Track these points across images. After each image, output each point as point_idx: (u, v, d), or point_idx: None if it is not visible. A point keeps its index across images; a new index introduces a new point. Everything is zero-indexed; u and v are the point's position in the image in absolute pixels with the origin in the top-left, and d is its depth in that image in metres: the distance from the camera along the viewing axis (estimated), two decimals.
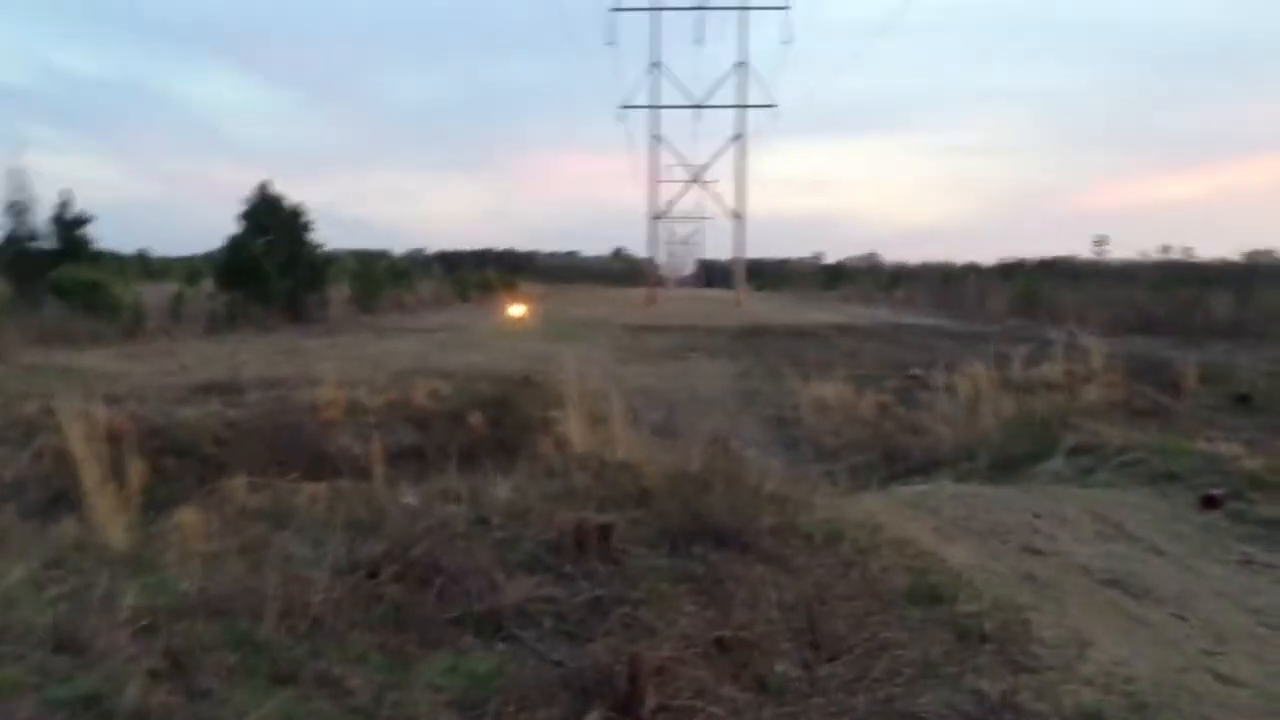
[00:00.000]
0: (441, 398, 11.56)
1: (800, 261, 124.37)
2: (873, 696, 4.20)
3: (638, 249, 78.53)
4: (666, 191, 74.06)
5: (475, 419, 10.60)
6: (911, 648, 4.69)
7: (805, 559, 5.80)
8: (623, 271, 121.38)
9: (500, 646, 4.47)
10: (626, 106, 67.12)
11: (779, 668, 4.46)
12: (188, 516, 5.55)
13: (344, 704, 3.79)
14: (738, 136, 65.96)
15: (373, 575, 4.88)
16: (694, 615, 4.89)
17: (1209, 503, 7.50)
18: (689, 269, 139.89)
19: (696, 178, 72.32)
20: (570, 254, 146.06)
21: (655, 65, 66.13)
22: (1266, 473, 7.91)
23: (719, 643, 4.59)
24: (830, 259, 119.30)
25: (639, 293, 67.54)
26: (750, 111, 65.80)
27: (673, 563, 5.56)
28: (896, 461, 11.37)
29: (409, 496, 6.47)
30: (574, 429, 9.48)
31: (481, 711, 3.82)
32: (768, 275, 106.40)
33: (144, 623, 4.12)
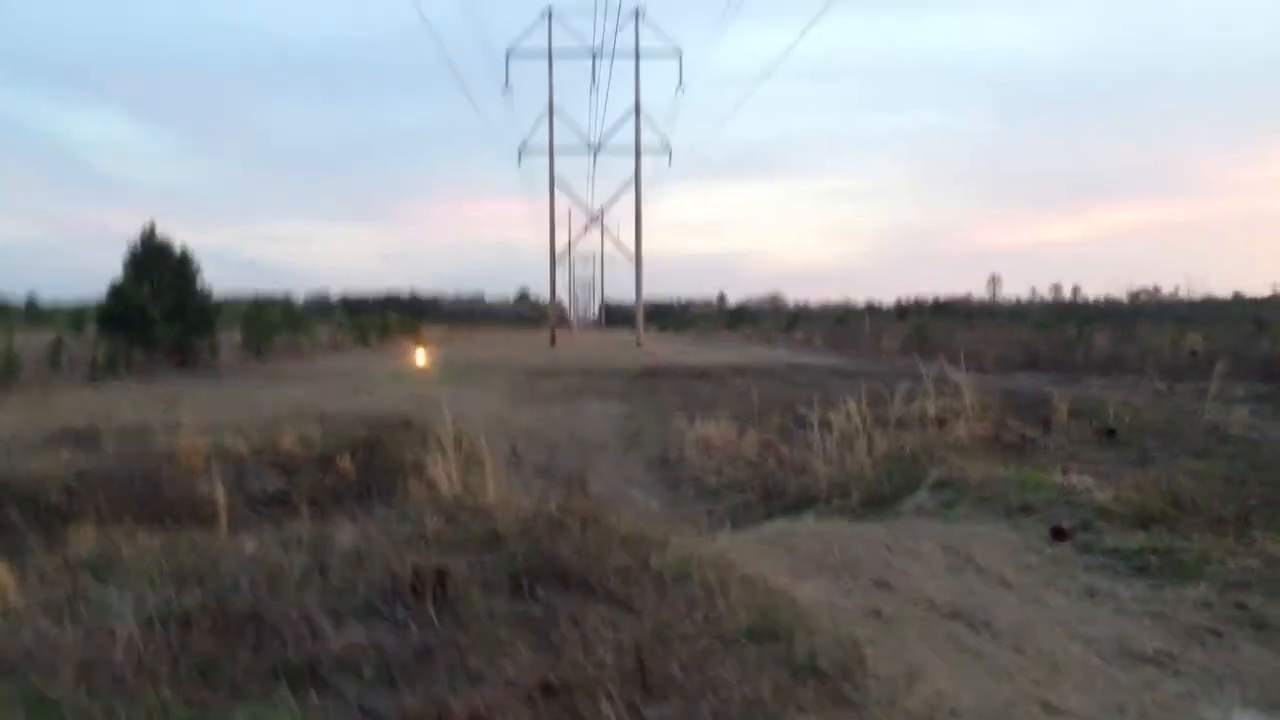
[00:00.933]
0: (310, 443, 11.28)
1: (703, 304, 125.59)
2: None
3: (542, 292, 78.23)
4: (567, 235, 74.37)
5: (344, 463, 10.35)
6: (742, 686, 4.64)
7: (652, 599, 5.73)
8: (529, 314, 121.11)
9: (314, 698, 4.31)
10: (524, 151, 67.30)
11: (605, 711, 4.37)
12: None
13: None
14: (634, 180, 66.51)
15: (186, 626, 4.69)
16: (524, 659, 4.79)
17: (1058, 534, 7.64)
18: (592, 312, 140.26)
19: (594, 220, 72.70)
20: (475, 298, 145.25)
21: (551, 110, 66.47)
22: (1115, 504, 8.09)
23: (545, 687, 4.50)
24: (734, 299, 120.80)
25: (543, 335, 67.36)
26: (646, 156, 66.51)
27: (512, 607, 5.46)
28: (774, 499, 11.42)
29: (249, 544, 6.27)
30: (443, 472, 9.34)
31: None
32: (671, 317, 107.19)
33: None
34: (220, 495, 7.19)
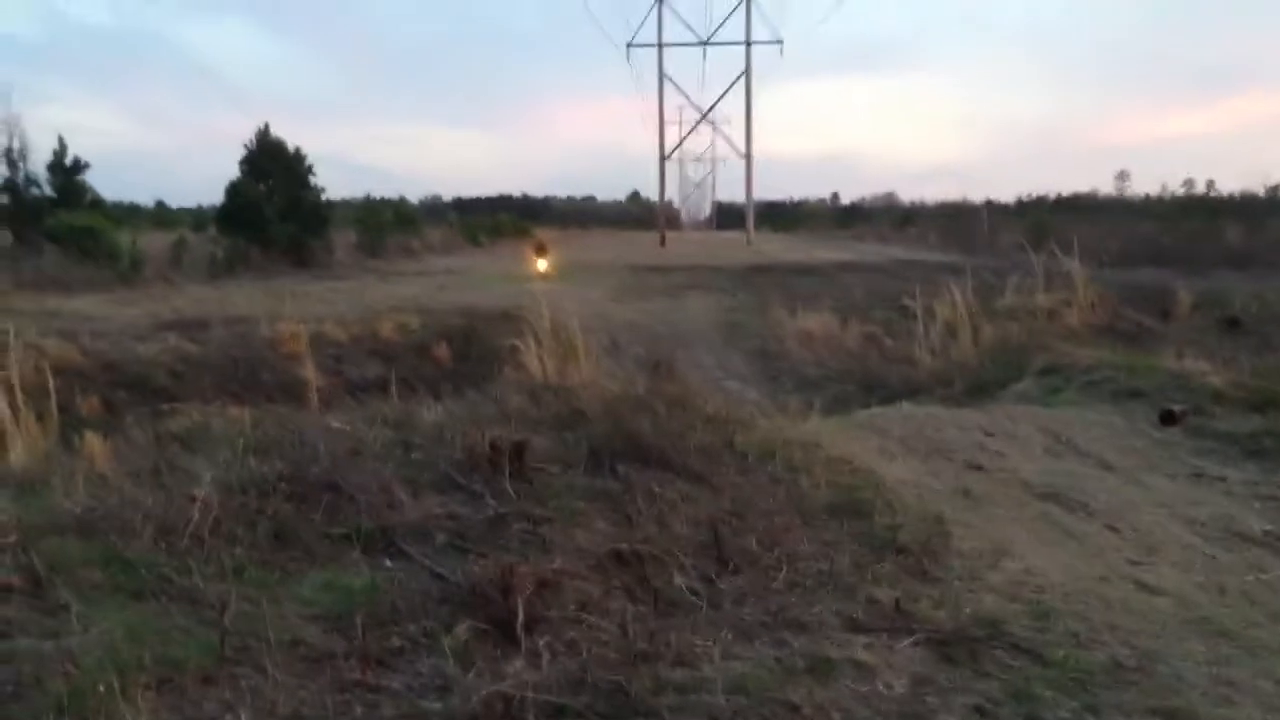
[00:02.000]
0: (408, 331, 11.41)
1: (816, 203, 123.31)
2: (764, 607, 4.05)
3: (654, 193, 77.49)
4: (676, 133, 73.31)
5: (441, 351, 10.46)
6: (819, 560, 4.54)
7: (733, 476, 5.64)
8: (640, 215, 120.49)
9: (387, 563, 4.34)
10: (633, 45, 66.09)
11: (678, 581, 4.31)
12: (93, 441, 5.42)
13: (200, 616, 3.67)
14: (744, 74, 64.99)
15: (265, 493, 4.76)
16: (598, 530, 4.75)
17: (1168, 418, 7.29)
18: (704, 212, 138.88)
19: (705, 117, 71.40)
20: (587, 199, 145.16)
21: (660, 2, 65.06)
22: (1230, 388, 7.68)
23: (617, 556, 4.45)
24: (846, 199, 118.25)
25: (653, 236, 67.00)
26: (757, 49, 64.83)
27: (591, 481, 5.42)
28: (875, 390, 11.19)
29: (335, 420, 6.34)
30: (535, 359, 9.35)
31: (347, 624, 3.70)
32: (784, 217, 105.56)
33: (9, 539, 4.01)
34: (312, 376, 7.28)
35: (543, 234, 66.93)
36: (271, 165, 32.99)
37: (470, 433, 5.70)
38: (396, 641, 3.65)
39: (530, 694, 3.31)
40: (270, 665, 3.36)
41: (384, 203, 49.85)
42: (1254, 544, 5.16)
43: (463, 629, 3.69)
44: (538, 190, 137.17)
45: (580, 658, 3.57)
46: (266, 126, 33.60)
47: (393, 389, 8.17)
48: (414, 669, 3.47)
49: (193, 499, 4.52)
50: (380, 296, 21.30)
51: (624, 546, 4.48)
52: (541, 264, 30.79)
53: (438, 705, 3.22)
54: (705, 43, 66.66)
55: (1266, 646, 3.94)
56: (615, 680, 3.41)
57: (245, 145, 33.23)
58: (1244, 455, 6.63)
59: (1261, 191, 49.57)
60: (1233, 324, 12.41)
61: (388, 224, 42.24)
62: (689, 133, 74.44)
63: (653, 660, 3.53)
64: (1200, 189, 59.69)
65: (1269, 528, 5.36)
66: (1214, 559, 4.91)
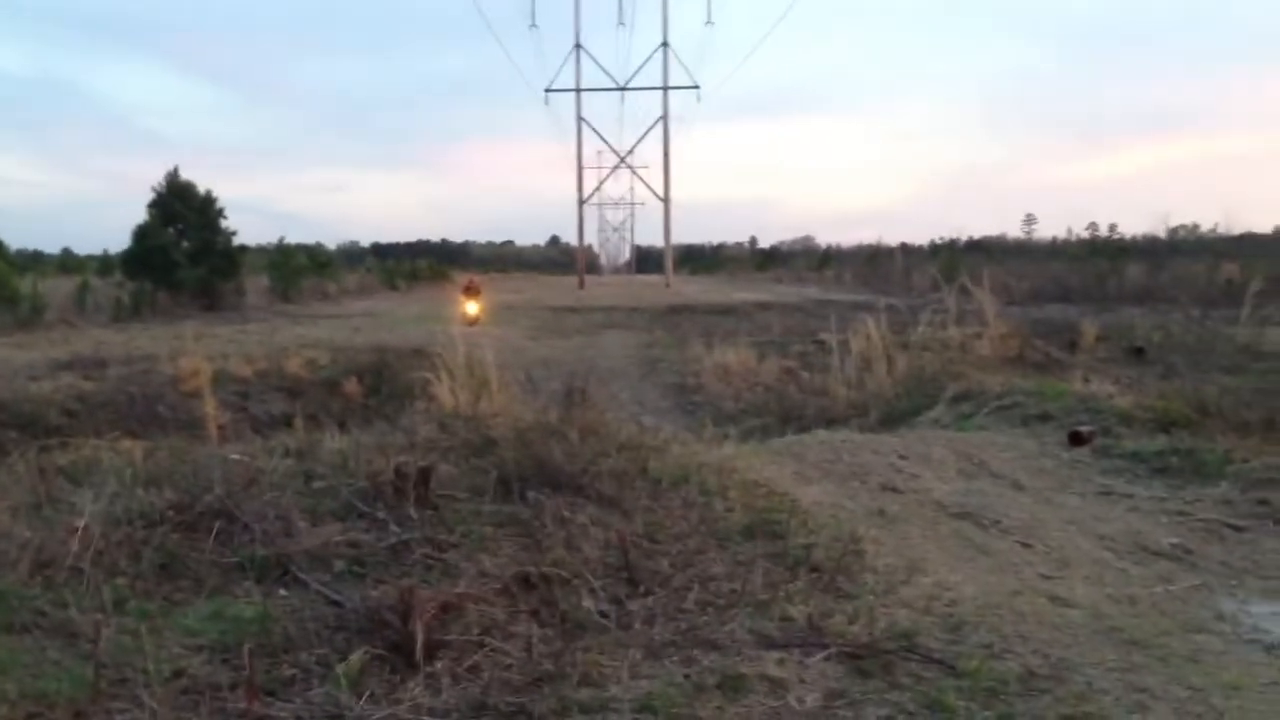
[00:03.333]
0: (317, 367, 11.14)
1: (735, 247, 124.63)
2: (675, 626, 3.94)
3: (572, 237, 77.49)
4: (595, 177, 73.60)
5: (351, 387, 10.21)
6: (732, 580, 4.44)
7: (645, 500, 5.54)
8: (559, 259, 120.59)
9: (281, 591, 4.14)
10: (551, 90, 66.33)
11: (586, 603, 4.18)
12: None
13: (75, 649, 3.45)
14: (662, 118, 65.61)
15: (153, 523, 4.52)
16: (506, 555, 4.61)
17: (1076, 439, 7.37)
18: (624, 256, 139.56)
19: (622, 161, 71.81)
20: (506, 243, 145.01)
21: (578, 47, 65.52)
22: (1136, 410, 7.80)
23: (524, 580, 4.30)
24: (765, 243, 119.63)
25: (572, 280, 66.98)
26: (675, 94, 65.48)
27: (500, 507, 5.27)
28: (792, 422, 11.17)
29: (233, 451, 6.10)
30: (448, 391, 9.17)
31: (234, 654, 3.49)
32: (703, 260, 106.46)
33: None
34: (212, 410, 7.02)
35: (460, 278, 66.44)
36: (181, 209, 32.30)
37: (375, 460, 5.52)
38: (287, 670, 3.46)
39: (427, 718, 3.15)
40: (148, 698, 3.15)
41: (299, 248, 48.95)
42: (1162, 557, 5.19)
43: (358, 656, 3.51)
44: (457, 235, 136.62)
45: (482, 681, 3.41)
46: (176, 169, 32.96)
47: (298, 424, 7.93)
48: (305, 698, 3.29)
49: (73, 530, 4.28)
50: (291, 338, 20.88)
51: (531, 570, 4.34)
52: (472, 307, 25.89)
53: None
54: (623, 88, 67.14)
55: (1177, 654, 3.92)
56: (517, 703, 3.27)
57: (154, 189, 32.53)
58: (1150, 473, 6.71)
59: (1162, 233, 51.29)
60: (1137, 353, 12.70)
61: (302, 268, 41.57)
62: (607, 177, 74.76)
63: (557, 681, 3.39)
64: (1104, 232, 61.54)
65: (1176, 541, 5.40)
66: (1124, 572, 4.92)
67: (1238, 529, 5.56)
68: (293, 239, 58.32)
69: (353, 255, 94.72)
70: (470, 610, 3.92)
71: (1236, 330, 15.13)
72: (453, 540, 4.76)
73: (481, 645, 3.71)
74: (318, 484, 5.44)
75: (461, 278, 42.80)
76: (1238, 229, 52.21)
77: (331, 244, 79.32)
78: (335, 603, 4.00)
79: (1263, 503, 5.94)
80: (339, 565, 4.41)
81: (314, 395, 10.15)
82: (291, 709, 3.22)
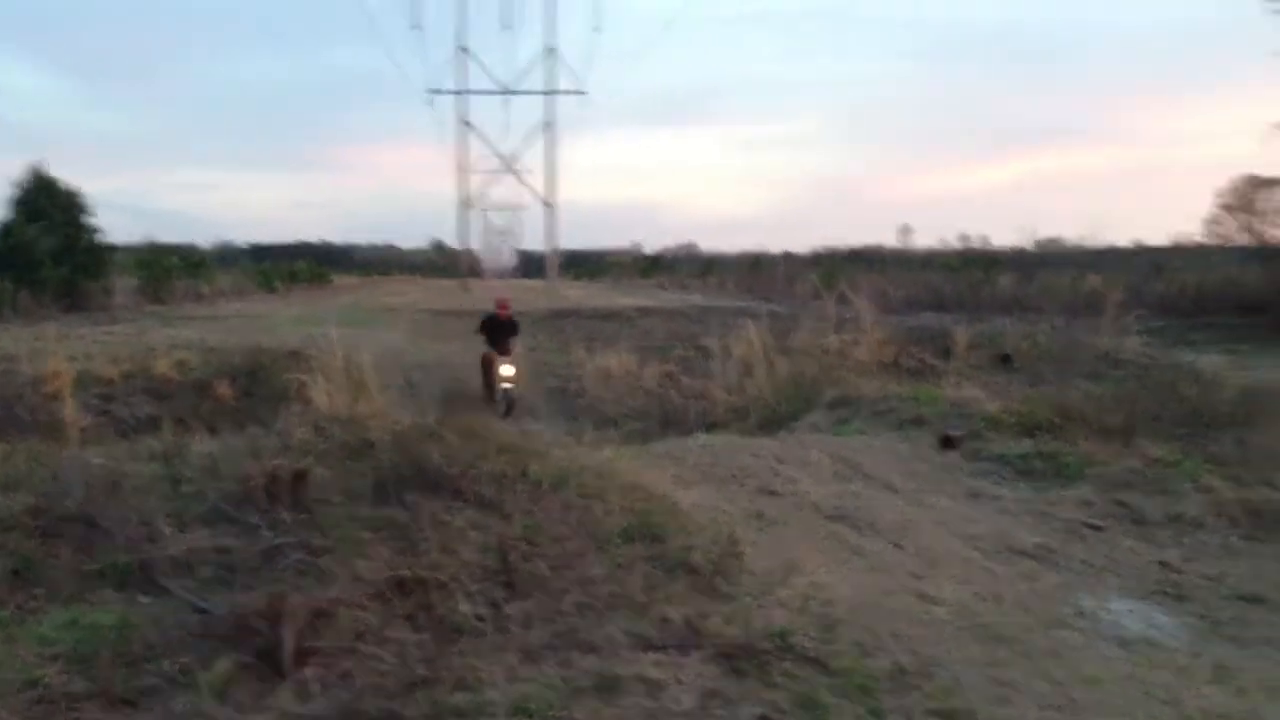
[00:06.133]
0: (187, 369, 10.79)
1: (620, 252, 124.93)
2: (553, 629, 3.92)
3: (456, 241, 76.55)
4: (479, 181, 72.99)
5: (223, 389, 9.91)
6: (611, 583, 4.43)
7: (524, 504, 5.48)
8: (442, 263, 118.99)
9: (142, 599, 3.99)
10: (434, 91, 65.51)
11: (463, 607, 4.13)
12: None
13: None
14: (548, 124, 65.40)
15: (6, 529, 4.32)
16: (381, 560, 4.51)
17: (947, 443, 7.58)
18: (508, 260, 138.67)
19: (507, 165, 71.34)
20: (389, 246, 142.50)
21: (462, 49, 64.90)
22: (1004, 415, 8.06)
23: (399, 584, 4.23)
24: (651, 248, 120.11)
25: (454, 283, 66.26)
26: (560, 99, 65.27)
27: (376, 511, 5.17)
28: (673, 426, 11.25)
29: (96, 455, 5.86)
30: (324, 393, 8.99)
31: (91, 664, 3.35)
32: (587, 265, 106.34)
33: None
34: (71, 411, 6.73)
35: (342, 281, 65.05)
36: (46, 205, 30.95)
37: (246, 464, 5.36)
38: (148, 680, 3.34)
39: None
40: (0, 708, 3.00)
41: (171, 248, 47.33)
42: (1027, 556, 5.37)
43: (225, 664, 3.41)
44: (338, 237, 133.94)
45: (354, 687, 3.34)
46: (39, 164, 31.59)
47: (166, 426, 7.67)
48: (166, 708, 3.18)
49: None
50: (161, 339, 20.18)
51: (407, 574, 4.27)
52: (507, 369, 13.28)
53: None
54: (507, 91, 66.76)
55: (1041, 649, 4.06)
56: (389, 708, 3.21)
57: (17, 184, 31.10)
58: (1017, 475, 6.95)
59: (1030, 245, 53.16)
60: (1006, 360, 13.11)
61: (174, 268, 40.21)
62: (491, 181, 74.19)
63: (431, 686, 3.35)
64: (976, 243, 63.52)
65: (1039, 541, 5.59)
66: (991, 571, 5.07)
67: (1097, 529, 5.79)
68: (165, 239, 56.57)
69: (228, 256, 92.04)
70: (343, 616, 3.84)
71: (1098, 339, 15.74)
72: (327, 545, 4.64)
73: (354, 651, 3.64)
74: (185, 489, 5.26)
75: (482, 293, 29.03)
76: (1100, 243, 54.54)
77: (206, 244, 77.07)
78: (201, 610, 3.88)
79: (1120, 504, 6.20)
80: (206, 572, 4.27)
81: (183, 398, 9.82)
82: (150, 719, 3.10)
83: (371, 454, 6.05)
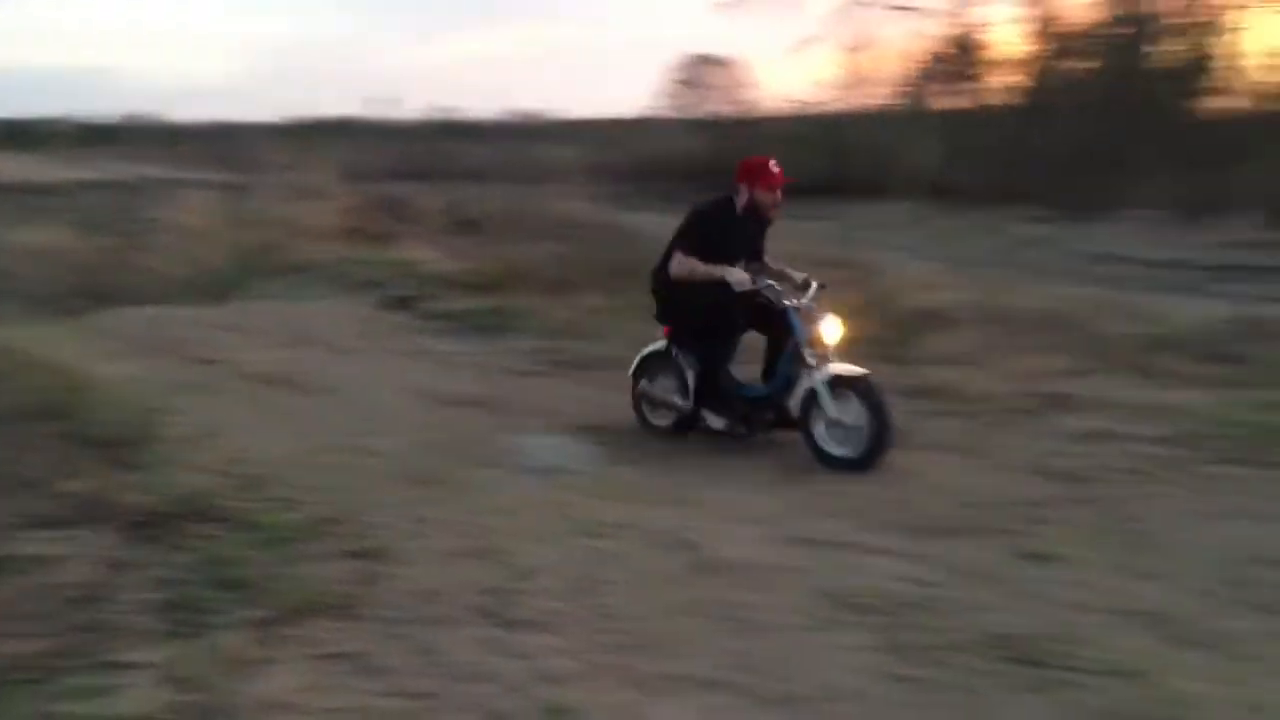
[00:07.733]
0: None
1: (61, 119, 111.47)
2: None
3: None
4: None
5: None
6: (14, 464, 4.02)
7: None
8: None
9: None
10: None
11: None
12: None
13: None
14: None
15: None
16: None
17: (400, 303, 7.67)
18: None
19: None
20: None
21: None
22: (459, 275, 8.31)
23: None
24: (105, 118, 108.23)
25: None
26: None
27: None
28: (115, 300, 10.38)
29: None
30: None
31: None
32: (24, 135, 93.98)
33: None
34: None
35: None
36: None
37: None
38: None
39: None
40: None
41: None
42: (465, 404, 5.60)
43: None
44: None
45: None
46: None
47: None
48: None
49: None
50: None
51: None
52: None
53: None
54: None
55: (462, 487, 4.23)
56: None
57: None
58: (465, 330, 7.21)
59: (510, 118, 54.59)
60: (470, 225, 13.45)
61: None
62: None
63: None
64: (456, 115, 64.02)
65: (480, 390, 5.85)
66: (428, 422, 5.23)
67: (535, 374, 6.17)
68: None
69: None
70: None
71: (556, 204, 16.62)
72: None
73: None
74: None
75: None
76: (575, 116, 57.30)
77: None
78: None
79: (555, 351, 6.64)
80: None
81: None
82: None
83: None
